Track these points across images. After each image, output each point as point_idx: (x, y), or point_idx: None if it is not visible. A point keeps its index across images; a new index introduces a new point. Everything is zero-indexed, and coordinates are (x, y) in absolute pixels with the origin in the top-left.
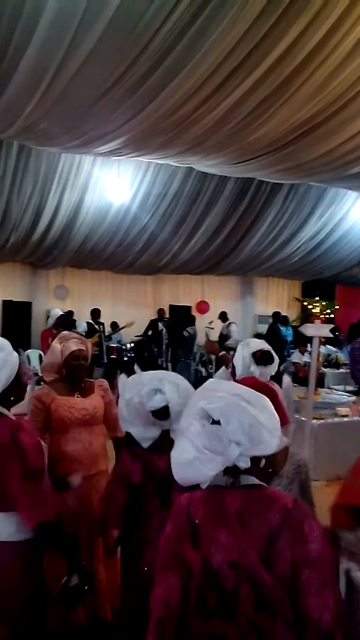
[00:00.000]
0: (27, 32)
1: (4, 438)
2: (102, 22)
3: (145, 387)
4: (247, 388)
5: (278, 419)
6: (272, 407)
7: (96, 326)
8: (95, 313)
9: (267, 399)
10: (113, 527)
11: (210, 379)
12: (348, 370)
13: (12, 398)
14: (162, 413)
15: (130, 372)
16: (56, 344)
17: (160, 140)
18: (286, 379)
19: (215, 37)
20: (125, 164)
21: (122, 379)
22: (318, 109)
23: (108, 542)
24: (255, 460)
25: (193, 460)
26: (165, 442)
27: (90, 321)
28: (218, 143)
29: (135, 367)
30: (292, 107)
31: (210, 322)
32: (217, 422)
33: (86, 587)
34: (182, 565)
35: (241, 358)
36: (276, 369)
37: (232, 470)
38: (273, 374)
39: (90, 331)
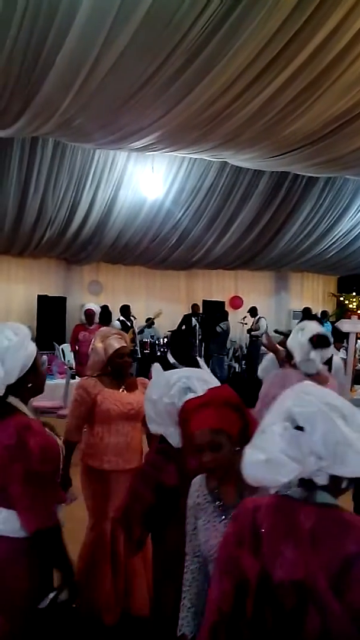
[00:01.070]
0: (63, 29)
1: (11, 438)
2: (137, 18)
3: (174, 387)
4: (347, 401)
5: None
6: None
7: (128, 322)
8: (126, 310)
9: None
10: (136, 525)
11: (307, 382)
12: None
13: (29, 385)
14: None
15: (165, 365)
16: (98, 344)
17: (194, 135)
18: (336, 360)
19: (249, 31)
20: (159, 159)
21: (156, 367)
22: (355, 102)
23: (131, 539)
24: (336, 479)
25: (266, 462)
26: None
27: (122, 318)
28: (253, 137)
29: (170, 356)
30: (328, 100)
31: (244, 318)
32: (301, 428)
33: (73, 605)
34: (237, 572)
35: (298, 344)
36: (330, 353)
37: (308, 484)
38: (327, 356)
39: (124, 328)
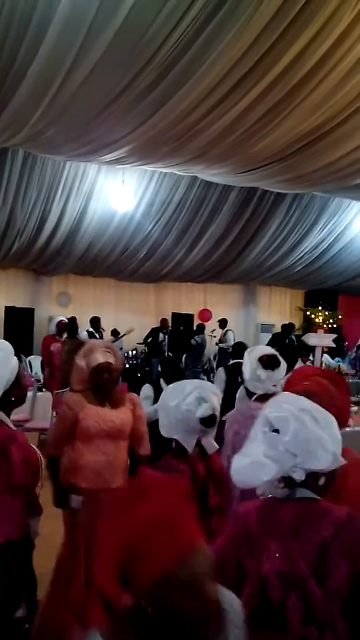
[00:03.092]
0: (36, 41)
1: None
2: (110, 32)
3: (190, 396)
4: (318, 406)
5: (340, 439)
6: (337, 428)
7: (97, 334)
8: (95, 321)
9: (334, 420)
10: None
11: (285, 392)
12: (351, 380)
13: (12, 399)
14: (210, 421)
15: (141, 382)
16: (80, 359)
17: (165, 150)
18: None
19: (221, 49)
20: (129, 172)
21: (146, 389)
22: (322, 121)
23: None
24: (312, 475)
25: (250, 464)
26: (197, 449)
27: (91, 330)
28: (222, 153)
29: (162, 383)
30: (296, 119)
31: (213, 331)
32: (277, 431)
33: (27, 625)
34: (234, 573)
35: (248, 364)
36: (284, 373)
37: (288, 482)
38: (281, 378)
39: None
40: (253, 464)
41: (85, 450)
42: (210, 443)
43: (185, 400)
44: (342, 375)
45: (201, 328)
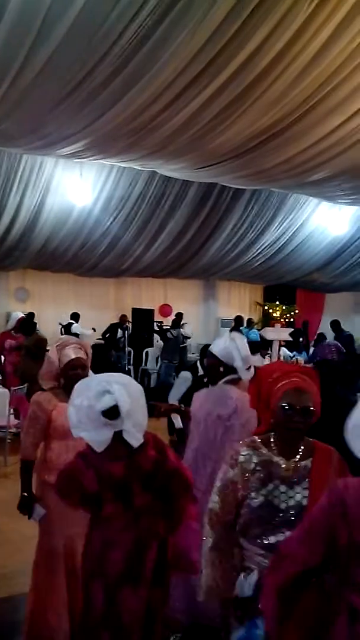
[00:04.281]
0: None
1: None
2: (65, 24)
3: (92, 390)
4: None
5: None
6: None
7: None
8: (76, 317)
9: None
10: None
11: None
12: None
13: None
14: (112, 413)
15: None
16: (52, 352)
17: (122, 144)
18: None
19: (177, 44)
20: (88, 166)
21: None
22: (279, 117)
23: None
24: None
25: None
26: (118, 446)
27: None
28: (180, 148)
29: (90, 372)
30: (253, 115)
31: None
32: None
33: None
34: (330, 535)
35: (237, 351)
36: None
37: None
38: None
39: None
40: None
41: (62, 448)
42: (133, 436)
43: (88, 396)
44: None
45: (177, 322)
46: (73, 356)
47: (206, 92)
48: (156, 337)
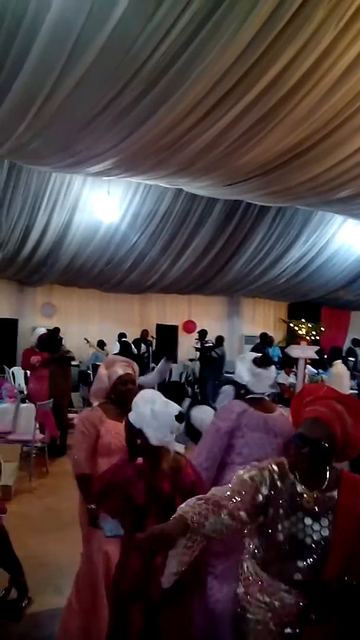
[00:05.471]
0: (22, 53)
1: None
2: (97, 45)
3: (157, 400)
4: None
5: None
6: None
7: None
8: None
9: None
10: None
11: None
12: None
13: None
14: (181, 417)
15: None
16: (102, 370)
17: (150, 162)
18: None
19: (207, 62)
20: (115, 184)
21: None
22: (306, 135)
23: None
24: None
25: None
26: (164, 459)
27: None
28: (207, 166)
29: None
30: (281, 133)
31: (197, 341)
32: None
33: (23, 604)
34: None
35: (245, 370)
36: (275, 374)
37: None
38: (274, 377)
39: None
40: None
41: (107, 465)
42: (177, 445)
43: (156, 404)
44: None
45: (220, 340)
46: (122, 372)
47: (234, 111)
48: (180, 353)
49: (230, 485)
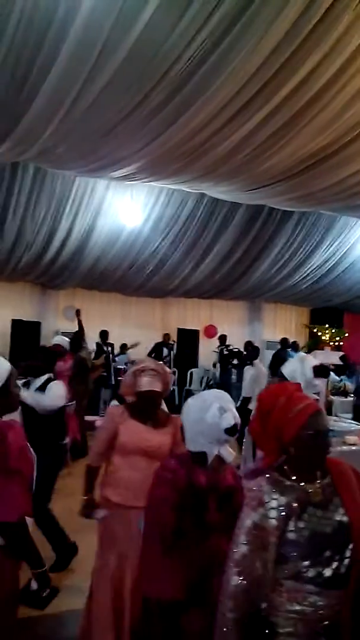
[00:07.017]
0: (49, 59)
1: None
2: (123, 50)
3: (212, 408)
4: None
5: None
6: None
7: (104, 347)
8: (104, 335)
9: None
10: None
11: None
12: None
13: None
14: (234, 430)
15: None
16: (128, 377)
17: (174, 167)
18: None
19: (231, 69)
20: (138, 188)
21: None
22: (330, 140)
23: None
24: None
25: None
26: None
27: (99, 342)
28: (230, 171)
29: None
30: (304, 138)
31: (218, 346)
32: None
33: (44, 594)
34: None
35: (301, 373)
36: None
37: None
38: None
39: (99, 352)
40: None
41: (122, 464)
42: (227, 451)
43: (208, 413)
44: None
45: (256, 352)
46: (147, 388)
47: (259, 115)
48: (201, 357)
49: (238, 569)
